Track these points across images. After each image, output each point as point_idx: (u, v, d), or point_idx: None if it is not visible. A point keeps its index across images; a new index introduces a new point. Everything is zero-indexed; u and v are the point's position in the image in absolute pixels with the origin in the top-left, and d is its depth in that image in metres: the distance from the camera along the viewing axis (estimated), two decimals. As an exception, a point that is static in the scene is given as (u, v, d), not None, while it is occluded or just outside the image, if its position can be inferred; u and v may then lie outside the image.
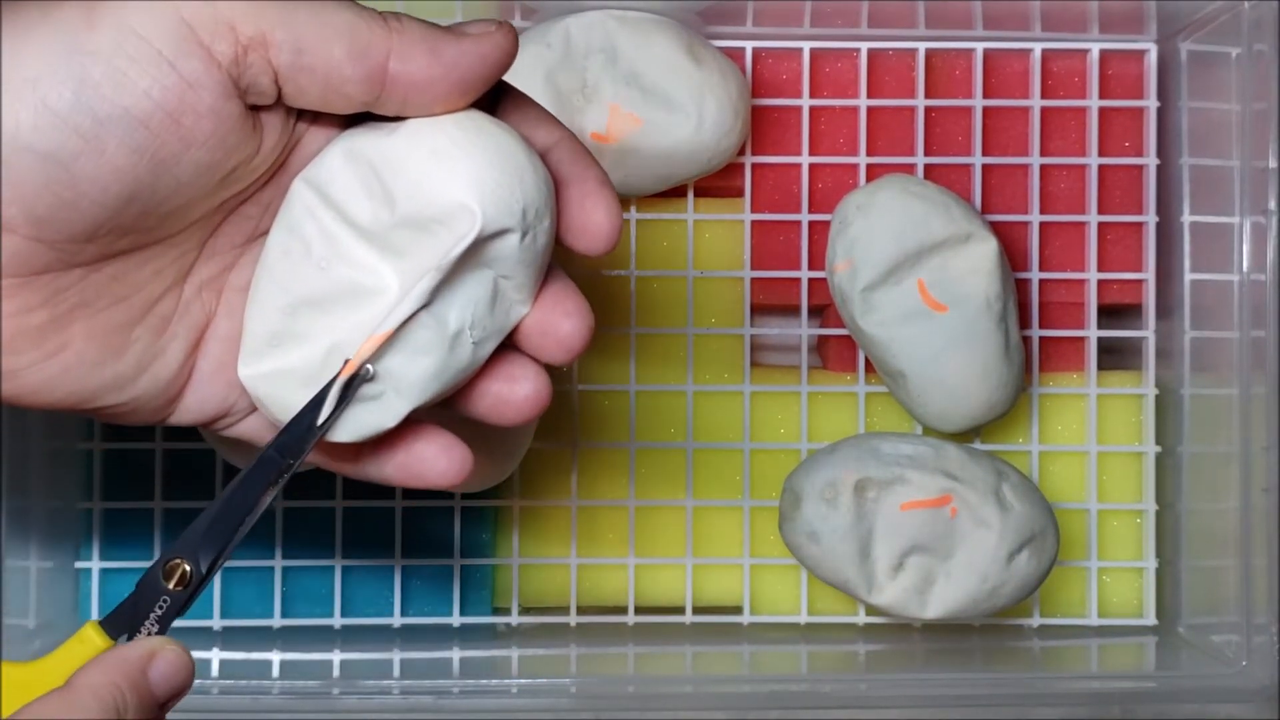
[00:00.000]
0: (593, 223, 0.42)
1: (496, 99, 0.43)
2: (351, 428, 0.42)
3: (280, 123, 0.41)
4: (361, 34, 0.39)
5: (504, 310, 0.42)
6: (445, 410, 0.44)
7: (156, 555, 0.66)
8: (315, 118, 0.41)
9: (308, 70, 0.39)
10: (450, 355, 0.41)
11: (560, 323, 0.42)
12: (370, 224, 0.40)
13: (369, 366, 0.41)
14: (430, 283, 0.40)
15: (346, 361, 0.41)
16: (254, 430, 0.44)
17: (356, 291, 0.41)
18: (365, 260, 0.41)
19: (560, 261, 0.43)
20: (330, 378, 0.41)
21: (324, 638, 0.65)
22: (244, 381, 0.42)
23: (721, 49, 0.66)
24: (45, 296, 0.39)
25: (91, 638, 0.40)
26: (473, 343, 0.41)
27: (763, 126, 0.68)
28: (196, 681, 0.61)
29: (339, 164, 0.41)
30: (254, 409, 0.43)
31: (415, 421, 0.43)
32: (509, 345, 0.43)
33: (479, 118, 0.41)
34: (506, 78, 0.42)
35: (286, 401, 0.41)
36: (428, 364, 0.41)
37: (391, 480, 0.44)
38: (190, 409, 0.43)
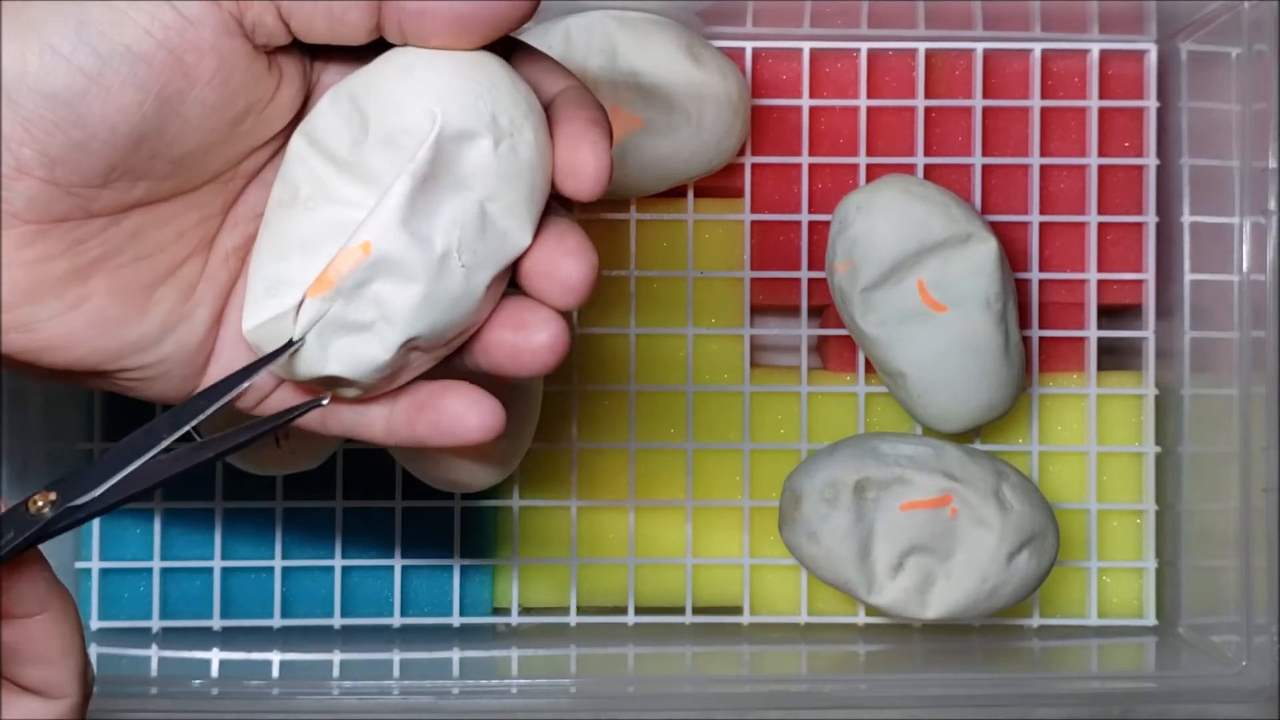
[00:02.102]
0: (578, 161, 0.41)
1: (508, 53, 0.42)
2: (343, 360, 0.41)
3: (300, 72, 0.41)
4: None
5: (497, 238, 0.41)
6: (461, 374, 0.43)
7: (157, 556, 0.66)
8: (328, 65, 0.42)
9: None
10: (439, 281, 0.40)
11: (562, 261, 0.41)
12: (348, 154, 0.40)
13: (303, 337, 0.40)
14: (403, 189, 0.39)
15: (322, 278, 0.40)
16: (282, 407, 0.43)
17: (341, 226, 0.40)
18: (346, 192, 0.40)
19: None
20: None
21: (324, 638, 0.65)
22: (246, 337, 0.41)
23: (721, 49, 0.66)
24: (65, 246, 0.39)
25: None
26: (463, 267, 0.40)
27: (763, 126, 0.68)
28: (197, 682, 0.61)
29: (325, 106, 0.41)
30: (279, 384, 0.43)
31: (441, 378, 0.43)
32: (520, 292, 0.42)
33: None
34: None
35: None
36: (416, 290, 0.40)
37: (425, 441, 0.43)
38: (210, 381, 0.43)
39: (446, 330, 0.41)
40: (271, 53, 0.40)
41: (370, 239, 0.39)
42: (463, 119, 0.40)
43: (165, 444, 0.39)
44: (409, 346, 0.41)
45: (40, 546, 0.40)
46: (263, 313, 0.41)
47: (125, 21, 0.38)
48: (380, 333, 0.40)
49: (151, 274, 0.41)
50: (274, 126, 0.41)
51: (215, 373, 0.43)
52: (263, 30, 0.39)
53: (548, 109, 0.42)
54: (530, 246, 0.41)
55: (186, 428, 0.40)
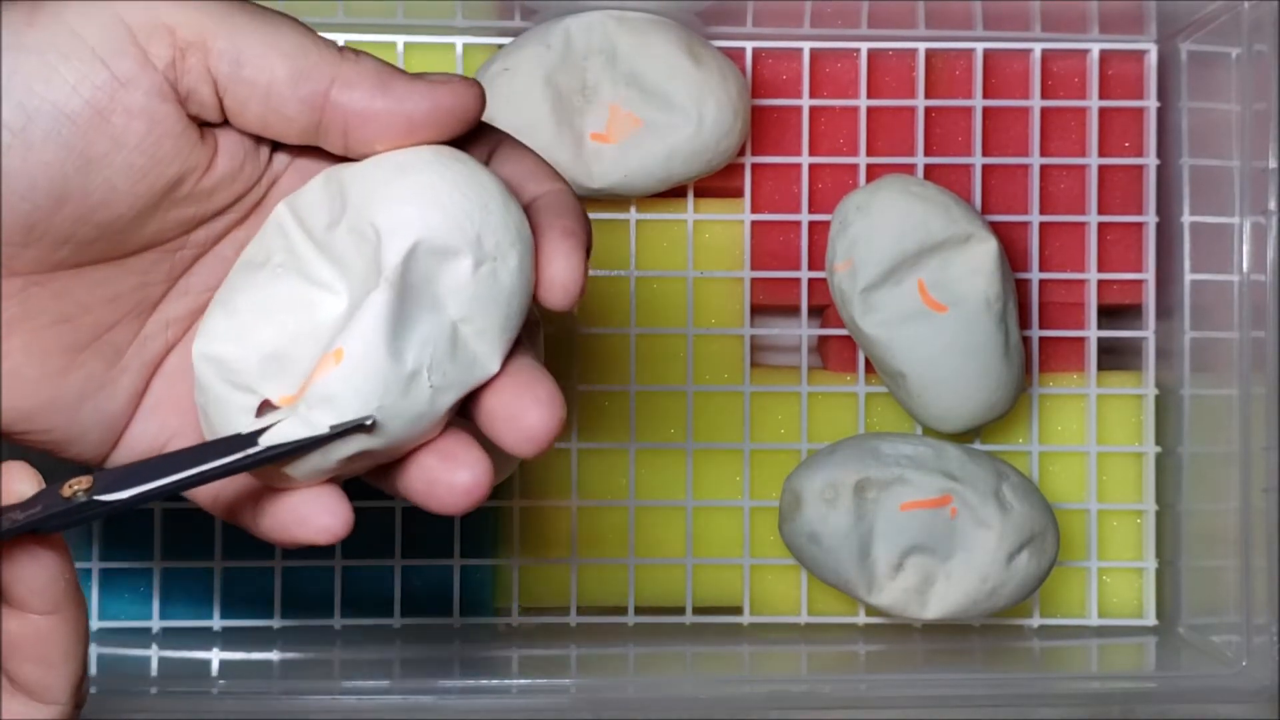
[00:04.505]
0: (550, 274, 0.39)
1: (494, 148, 0.42)
2: (301, 465, 0.39)
3: (241, 148, 0.40)
4: (309, 55, 0.38)
5: (467, 361, 0.39)
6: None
7: (157, 556, 0.66)
8: (296, 154, 0.41)
9: (247, 83, 0.38)
10: (404, 397, 0.38)
11: (528, 410, 0.39)
12: (323, 235, 0.39)
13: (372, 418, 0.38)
14: (382, 299, 0.38)
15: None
16: None
17: (303, 300, 0.39)
18: (317, 271, 0.39)
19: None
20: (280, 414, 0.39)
21: (324, 638, 0.65)
22: (194, 358, 0.40)
23: (721, 49, 0.66)
24: None
25: None
26: (430, 387, 0.38)
27: (763, 126, 0.68)
28: (197, 682, 0.61)
29: (317, 185, 0.40)
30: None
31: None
32: (459, 423, 0.40)
33: (460, 153, 0.40)
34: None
35: (217, 397, 0.39)
36: (384, 404, 0.38)
37: (254, 529, 0.41)
38: (124, 447, 0.42)
39: (403, 446, 0.39)
40: (207, 125, 0.39)
41: (342, 347, 0.38)
42: (446, 235, 0.38)
43: (210, 467, 0.38)
44: (361, 455, 0.39)
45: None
46: (216, 346, 0.39)
47: (54, 78, 0.37)
48: (335, 445, 0.39)
49: (75, 337, 0.40)
50: (217, 200, 0.40)
51: (131, 438, 0.41)
52: (196, 100, 0.38)
53: (528, 210, 0.40)
54: (496, 379, 0.39)
55: (235, 458, 0.38)
